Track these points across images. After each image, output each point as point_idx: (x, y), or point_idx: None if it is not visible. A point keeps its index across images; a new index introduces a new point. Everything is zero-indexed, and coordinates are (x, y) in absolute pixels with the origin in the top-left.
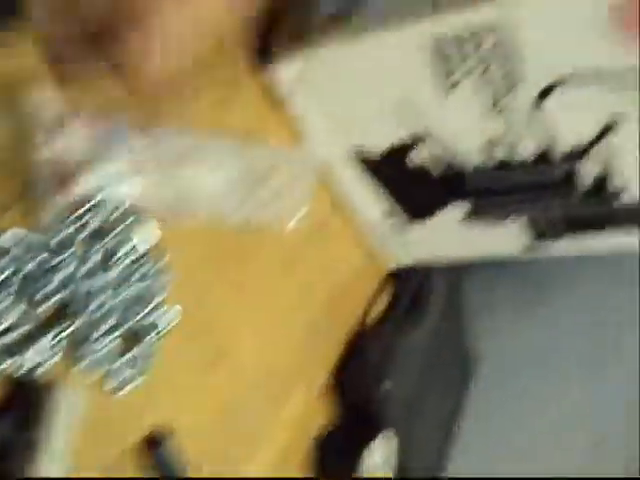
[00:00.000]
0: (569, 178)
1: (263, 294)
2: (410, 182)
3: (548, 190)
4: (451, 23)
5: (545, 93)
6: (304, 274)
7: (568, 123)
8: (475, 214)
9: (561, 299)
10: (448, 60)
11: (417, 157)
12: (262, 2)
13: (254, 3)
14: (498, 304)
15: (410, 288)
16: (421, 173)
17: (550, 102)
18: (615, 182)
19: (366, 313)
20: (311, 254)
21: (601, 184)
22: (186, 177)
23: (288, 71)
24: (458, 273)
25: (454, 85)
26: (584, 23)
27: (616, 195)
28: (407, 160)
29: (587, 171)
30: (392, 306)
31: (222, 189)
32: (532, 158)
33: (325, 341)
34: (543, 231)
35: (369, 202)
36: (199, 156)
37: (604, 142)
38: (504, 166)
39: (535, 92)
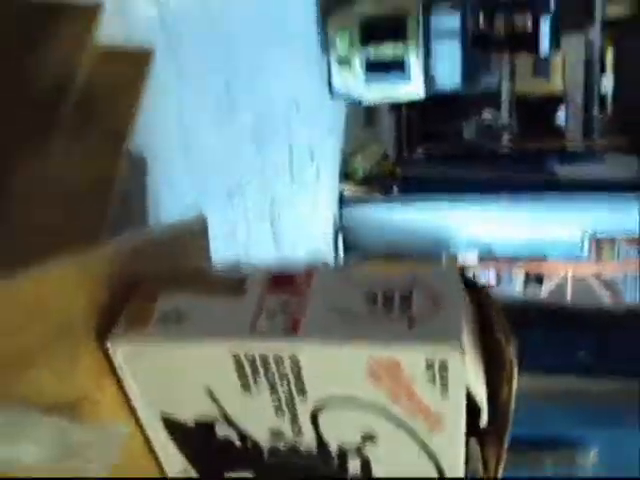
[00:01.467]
0: (341, 471)
1: None
2: (214, 451)
3: (324, 477)
4: (259, 347)
5: (318, 409)
6: None
7: (336, 431)
8: None
9: None
10: (251, 372)
11: (222, 431)
12: (109, 288)
13: (103, 287)
14: None
15: None
16: (225, 445)
17: (323, 416)
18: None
19: None
20: None
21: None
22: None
23: (122, 351)
24: None
25: (252, 389)
26: (348, 369)
27: None
28: (215, 431)
29: (355, 468)
30: None
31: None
32: (313, 451)
33: None
34: None
35: (172, 460)
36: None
37: (366, 449)
38: (290, 453)
39: (312, 407)
